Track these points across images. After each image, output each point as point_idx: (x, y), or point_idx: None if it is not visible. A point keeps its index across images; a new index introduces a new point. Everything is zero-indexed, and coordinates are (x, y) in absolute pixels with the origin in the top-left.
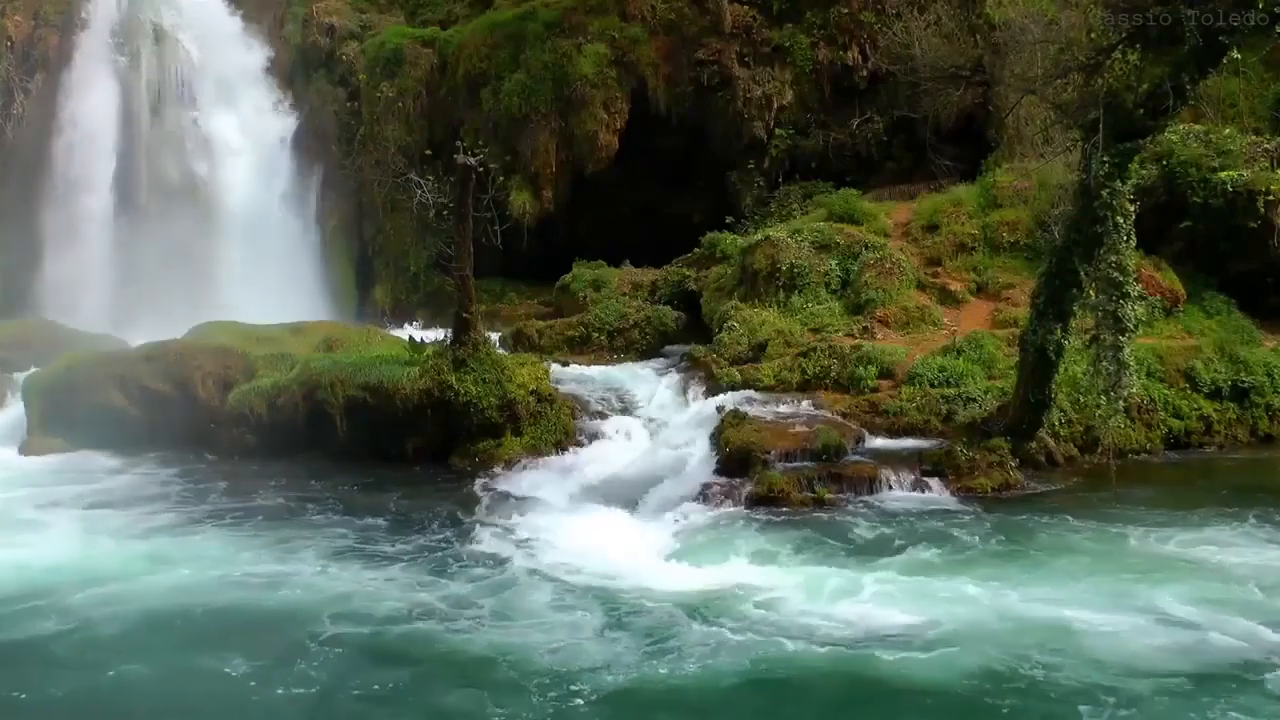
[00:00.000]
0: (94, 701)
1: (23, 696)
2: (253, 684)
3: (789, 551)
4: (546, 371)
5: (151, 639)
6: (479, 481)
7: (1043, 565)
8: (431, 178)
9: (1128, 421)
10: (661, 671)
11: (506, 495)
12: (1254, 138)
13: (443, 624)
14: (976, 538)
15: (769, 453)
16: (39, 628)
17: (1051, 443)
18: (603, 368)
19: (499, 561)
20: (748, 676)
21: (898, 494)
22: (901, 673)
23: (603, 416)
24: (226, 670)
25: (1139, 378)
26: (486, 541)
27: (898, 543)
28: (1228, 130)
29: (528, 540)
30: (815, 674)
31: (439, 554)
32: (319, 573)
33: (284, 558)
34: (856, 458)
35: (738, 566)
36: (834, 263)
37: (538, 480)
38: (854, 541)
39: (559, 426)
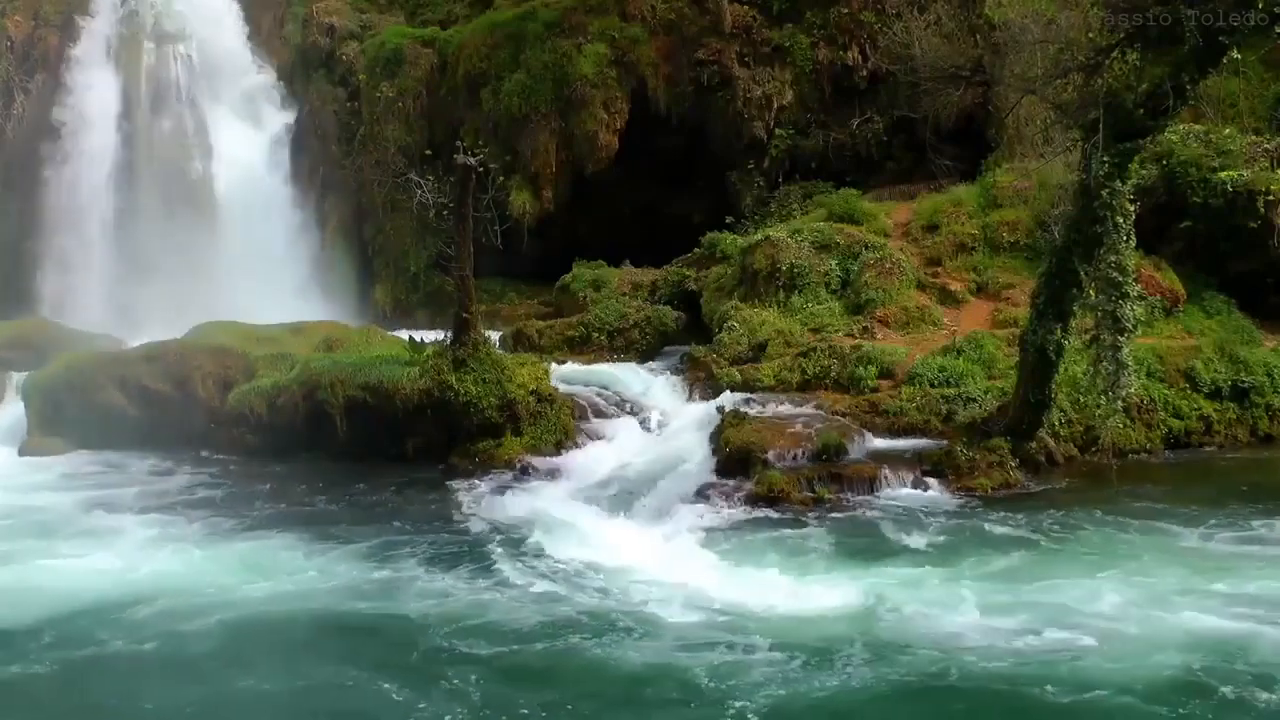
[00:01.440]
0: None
1: (148, 706)
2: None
3: (789, 551)
4: (546, 371)
5: (247, 649)
6: (479, 481)
7: (1045, 565)
8: (431, 178)
9: (1128, 421)
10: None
11: (506, 495)
12: (1254, 138)
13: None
14: (977, 538)
15: (769, 453)
16: (138, 638)
17: (1051, 443)
18: (603, 367)
19: (499, 562)
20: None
21: (898, 494)
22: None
23: (603, 416)
24: (341, 680)
25: (1139, 377)
26: (486, 542)
27: (896, 543)
28: (1228, 130)
29: (527, 541)
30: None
31: (439, 554)
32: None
33: (324, 563)
34: (856, 458)
35: (738, 566)
36: (834, 263)
37: (537, 480)
38: (853, 541)
39: (559, 426)
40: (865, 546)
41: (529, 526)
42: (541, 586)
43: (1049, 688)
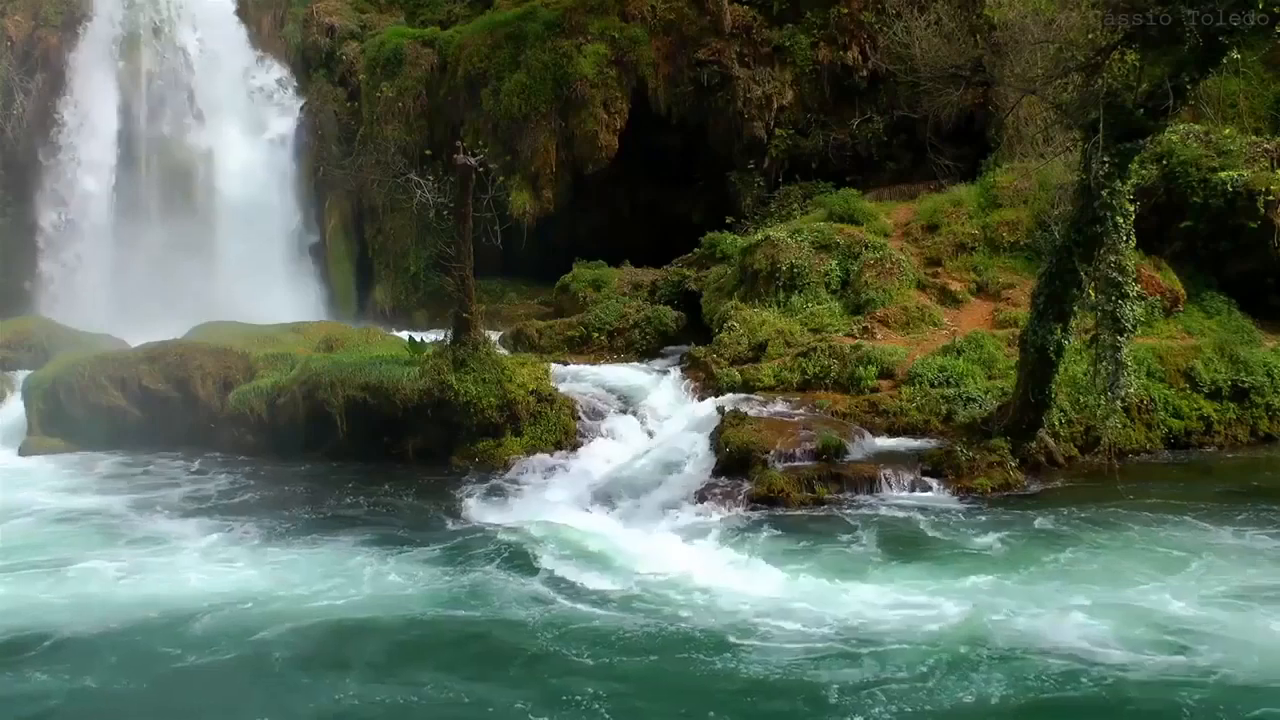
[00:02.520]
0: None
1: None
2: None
3: (789, 551)
4: (546, 371)
5: (329, 656)
6: (479, 481)
7: (1048, 565)
8: (431, 178)
9: (1128, 421)
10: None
11: (506, 496)
12: (1254, 138)
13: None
14: (977, 538)
15: (769, 453)
16: (216, 647)
17: (1051, 443)
18: (603, 368)
19: (498, 562)
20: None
21: (898, 494)
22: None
23: (603, 417)
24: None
25: (1139, 377)
26: (486, 542)
27: (896, 542)
28: (1228, 130)
29: (528, 541)
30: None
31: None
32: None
33: (377, 568)
34: (856, 458)
35: (738, 566)
36: (834, 263)
37: (537, 480)
38: (853, 541)
39: (559, 426)
40: (863, 546)
41: (529, 527)
42: (543, 587)
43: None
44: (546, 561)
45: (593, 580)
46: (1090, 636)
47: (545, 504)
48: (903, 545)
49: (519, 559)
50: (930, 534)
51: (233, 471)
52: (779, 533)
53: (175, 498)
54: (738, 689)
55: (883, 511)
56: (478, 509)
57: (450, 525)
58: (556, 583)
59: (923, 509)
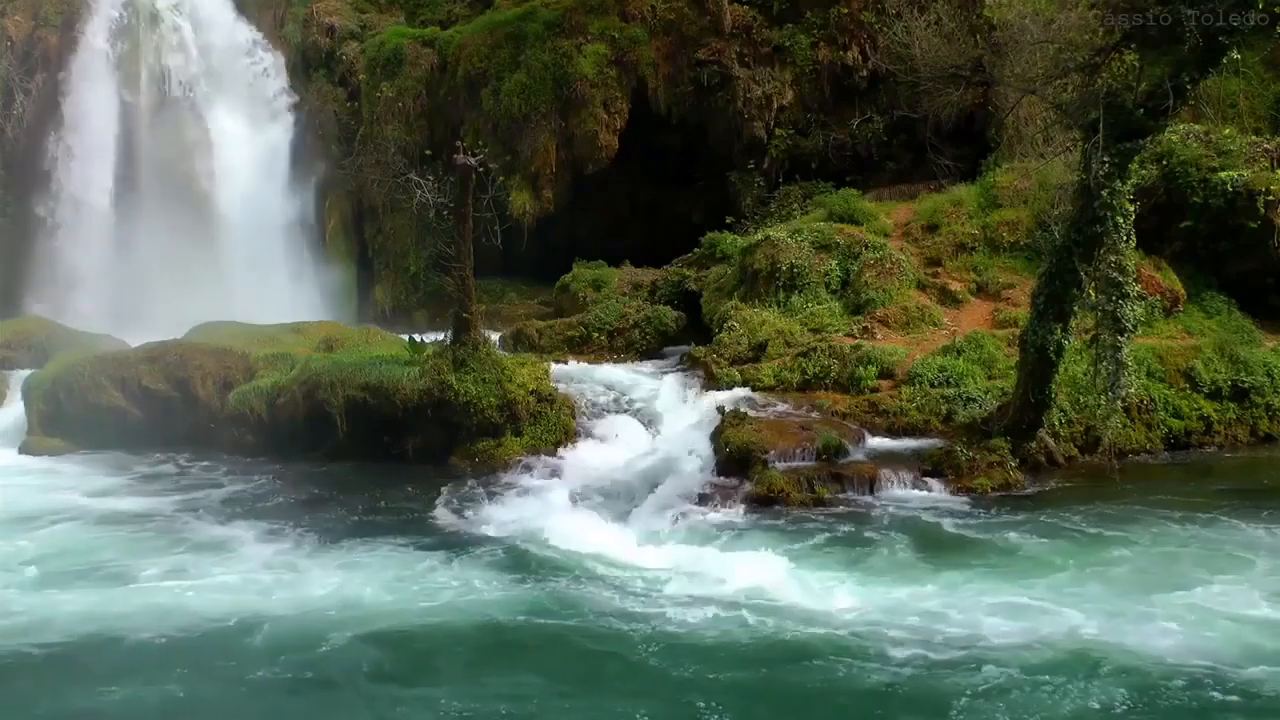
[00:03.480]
0: None
1: None
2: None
3: (789, 551)
4: (546, 371)
5: (403, 664)
6: (479, 482)
7: (1049, 565)
8: (431, 178)
9: (1128, 421)
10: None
11: (507, 496)
12: (1254, 138)
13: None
14: (978, 538)
15: (769, 453)
16: (282, 658)
17: (1051, 443)
18: (603, 368)
19: (499, 562)
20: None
21: (898, 494)
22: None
23: (603, 417)
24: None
25: (1139, 378)
26: (484, 542)
27: (895, 543)
28: (1228, 130)
29: (528, 542)
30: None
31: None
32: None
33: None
34: (857, 458)
35: (738, 565)
36: (834, 263)
37: (538, 481)
38: (853, 541)
39: (559, 426)
40: (863, 546)
41: (529, 528)
42: (543, 587)
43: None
44: (539, 562)
45: (584, 580)
46: (1182, 641)
47: (544, 504)
48: (928, 546)
49: (511, 559)
50: (950, 534)
51: (254, 473)
52: (776, 533)
53: (215, 500)
54: (850, 699)
55: (886, 512)
56: (474, 509)
57: (450, 527)
58: (545, 582)
59: (925, 509)
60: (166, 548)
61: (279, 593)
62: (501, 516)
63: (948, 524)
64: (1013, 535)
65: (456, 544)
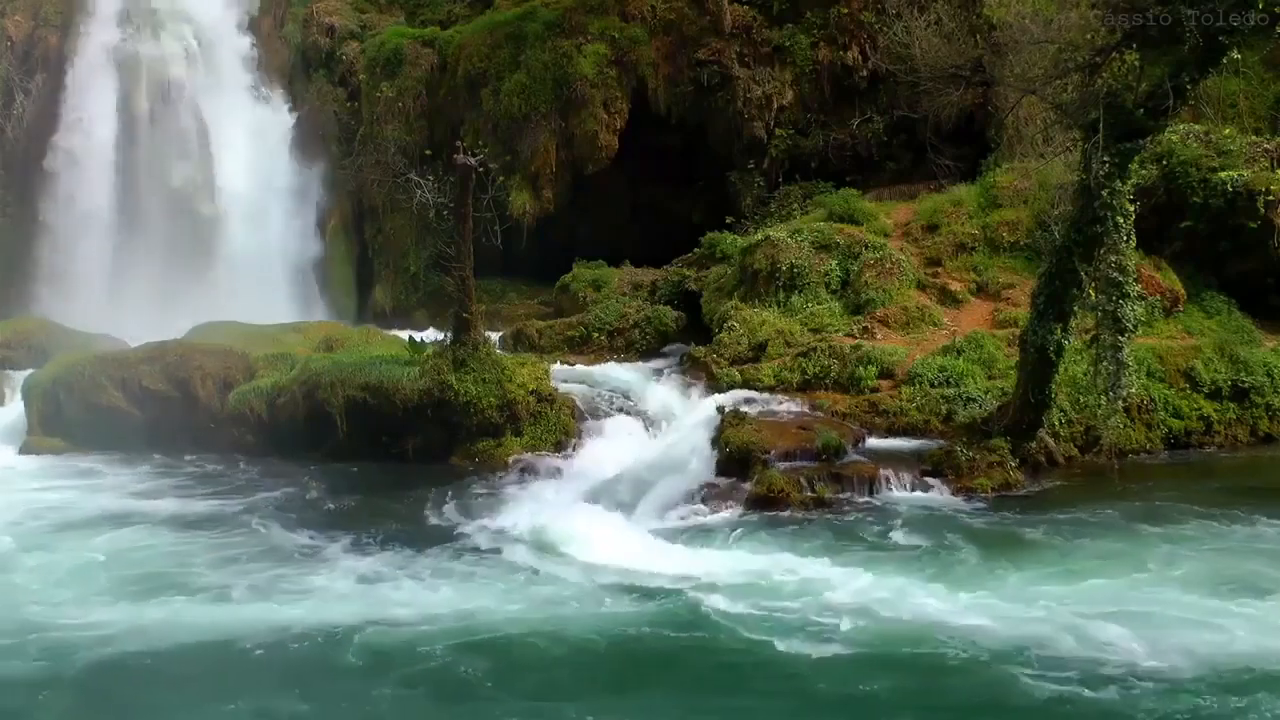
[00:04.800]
0: None
1: None
2: None
3: (789, 551)
4: (546, 371)
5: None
6: (479, 482)
7: (1050, 565)
8: (431, 178)
9: (1128, 421)
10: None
11: (507, 496)
12: (1254, 138)
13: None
14: (978, 538)
15: (769, 453)
16: (380, 666)
17: (1051, 443)
18: (602, 367)
19: (499, 563)
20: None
21: (898, 494)
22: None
23: (603, 417)
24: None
25: (1139, 378)
26: (485, 543)
27: (896, 543)
28: (1228, 130)
29: (529, 542)
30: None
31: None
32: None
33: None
34: (856, 458)
35: (738, 566)
36: (834, 263)
37: (537, 481)
38: (853, 541)
39: (559, 426)
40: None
41: (529, 528)
42: (543, 588)
43: None
44: (539, 562)
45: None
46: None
47: (544, 504)
48: (930, 546)
49: (512, 560)
50: (951, 534)
51: (289, 475)
52: (776, 533)
53: (269, 504)
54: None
55: (882, 512)
56: (475, 509)
57: (446, 525)
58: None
59: (922, 509)
60: (239, 555)
61: (356, 600)
62: (503, 517)
63: (948, 524)
64: (1015, 534)
65: (458, 545)
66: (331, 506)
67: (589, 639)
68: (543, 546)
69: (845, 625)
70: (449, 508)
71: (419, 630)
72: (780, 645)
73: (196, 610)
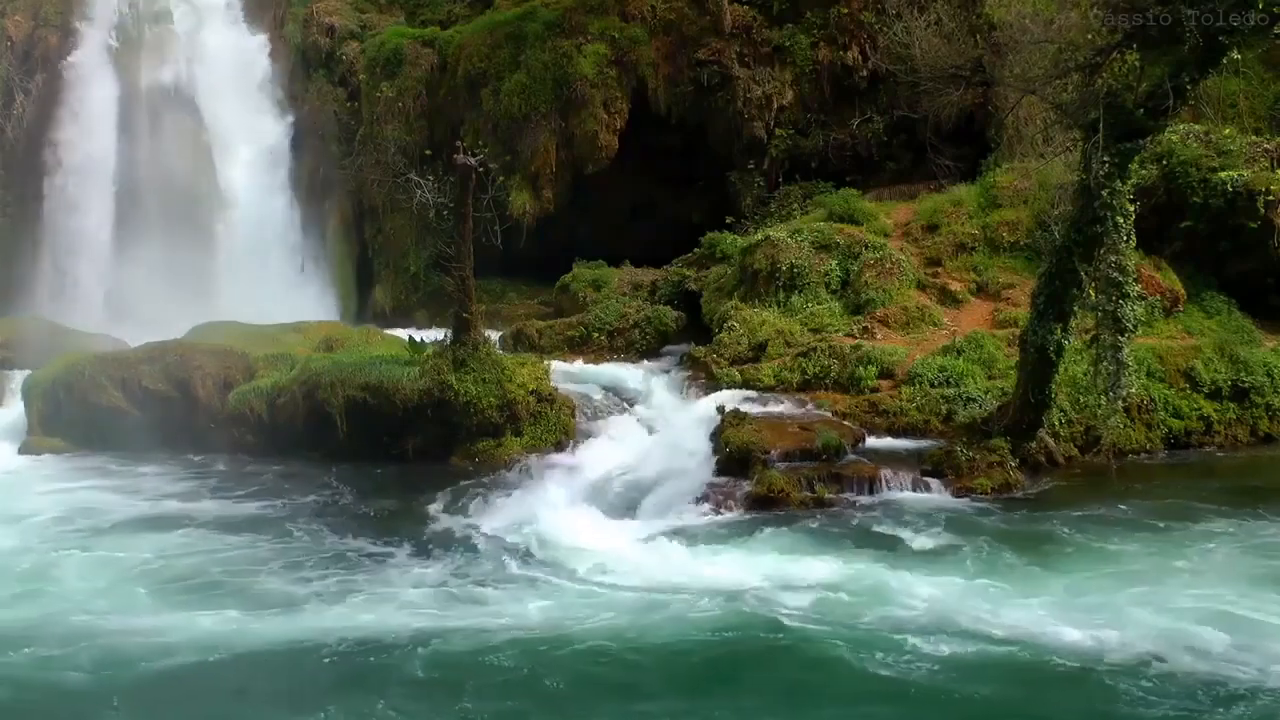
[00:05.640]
0: None
1: None
2: None
3: (790, 551)
4: (546, 371)
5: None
6: (479, 482)
7: (1050, 565)
8: (431, 178)
9: (1128, 421)
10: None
11: (507, 496)
12: (1254, 138)
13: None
14: (978, 538)
15: (769, 453)
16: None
17: (1051, 443)
18: (603, 367)
19: (499, 563)
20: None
21: (898, 494)
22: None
23: (603, 417)
24: None
25: (1139, 378)
26: (486, 543)
27: (896, 543)
28: (1228, 130)
29: (529, 542)
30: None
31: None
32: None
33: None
34: (856, 458)
35: (738, 566)
36: (834, 263)
37: (538, 481)
38: (854, 542)
39: (559, 426)
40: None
41: (529, 528)
42: (543, 588)
43: None
44: (539, 562)
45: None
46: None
47: (544, 504)
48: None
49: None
50: (953, 534)
51: (307, 476)
52: (777, 533)
53: (304, 508)
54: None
55: (882, 512)
56: (475, 509)
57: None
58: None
59: (925, 509)
60: (282, 559)
61: (426, 609)
62: (504, 518)
63: (949, 524)
64: (1031, 534)
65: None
66: (365, 510)
67: (679, 644)
68: (531, 546)
69: (922, 632)
70: (448, 509)
71: (486, 638)
72: (854, 654)
73: (250, 616)
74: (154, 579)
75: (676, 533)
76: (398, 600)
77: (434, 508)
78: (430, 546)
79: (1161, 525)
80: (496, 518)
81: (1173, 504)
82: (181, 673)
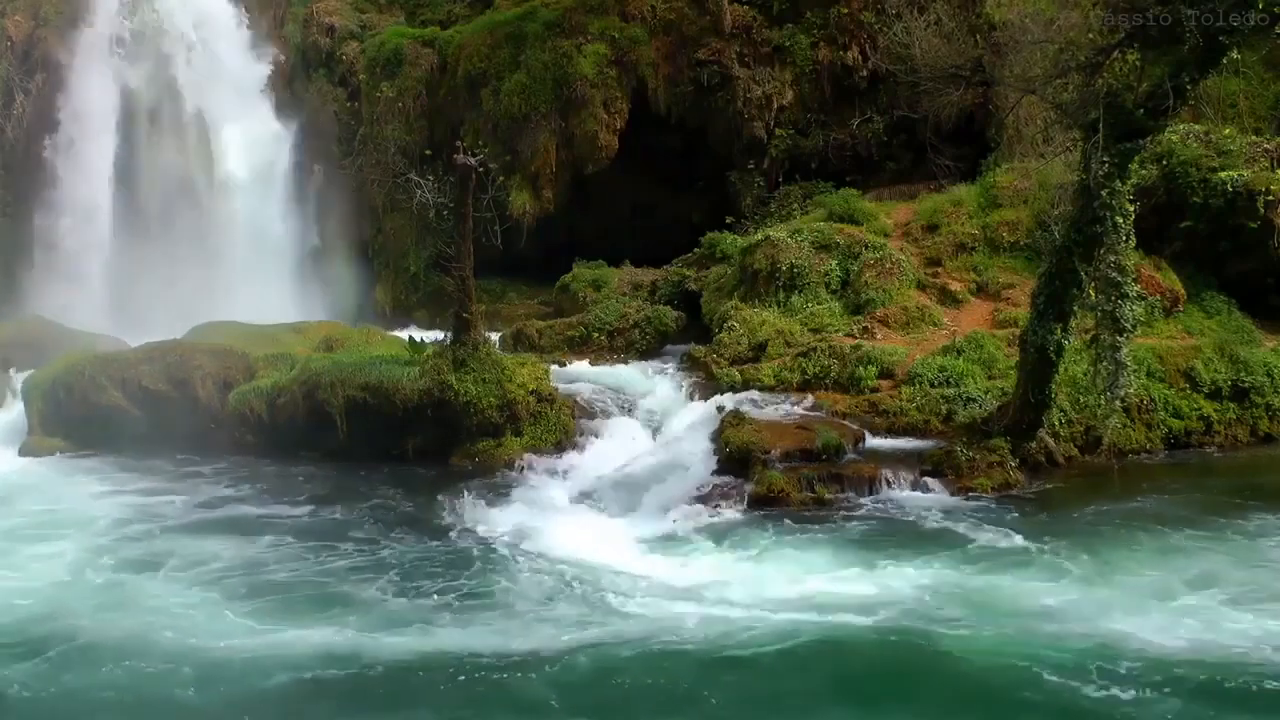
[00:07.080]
0: None
1: None
2: None
3: (791, 551)
4: (546, 371)
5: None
6: (479, 482)
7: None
8: (431, 178)
9: (1128, 421)
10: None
11: (507, 496)
12: (1254, 138)
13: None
14: (977, 537)
15: (769, 453)
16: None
17: (1051, 443)
18: (603, 368)
19: (499, 563)
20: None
21: (898, 494)
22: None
23: (603, 417)
24: None
25: (1139, 378)
26: (486, 543)
27: (896, 543)
28: (1228, 130)
29: (529, 542)
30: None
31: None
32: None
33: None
34: (856, 458)
35: (738, 566)
36: (834, 263)
37: (538, 481)
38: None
39: (559, 427)
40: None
41: (529, 528)
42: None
43: None
44: (539, 562)
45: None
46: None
47: (543, 504)
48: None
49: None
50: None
51: (347, 478)
52: (777, 533)
53: (363, 514)
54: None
55: (882, 512)
56: (475, 509)
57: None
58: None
59: (925, 509)
60: (362, 570)
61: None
62: (504, 519)
63: (949, 524)
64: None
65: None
66: (407, 509)
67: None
68: (531, 546)
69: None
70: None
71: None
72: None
73: (336, 629)
74: (229, 589)
75: (675, 533)
76: (387, 608)
77: (433, 508)
78: (430, 547)
79: (1162, 526)
80: (496, 518)
81: (1173, 504)
82: (300, 689)
